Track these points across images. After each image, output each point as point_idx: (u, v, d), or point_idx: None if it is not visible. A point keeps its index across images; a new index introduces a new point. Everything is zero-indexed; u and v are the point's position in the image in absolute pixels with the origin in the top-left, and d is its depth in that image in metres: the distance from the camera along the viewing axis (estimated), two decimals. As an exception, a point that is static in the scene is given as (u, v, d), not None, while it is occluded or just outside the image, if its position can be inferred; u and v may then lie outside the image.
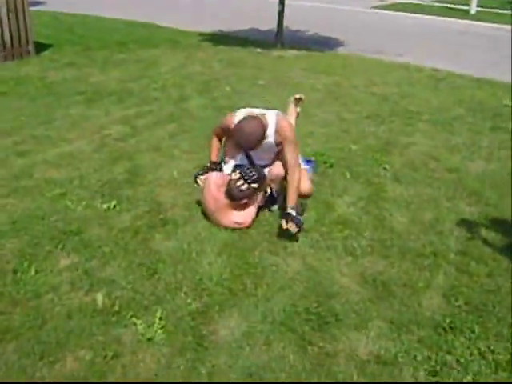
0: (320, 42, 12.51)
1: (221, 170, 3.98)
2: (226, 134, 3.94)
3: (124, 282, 3.07)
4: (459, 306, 3.01)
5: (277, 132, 3.67)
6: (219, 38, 12.29)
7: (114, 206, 3.99)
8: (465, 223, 3.97)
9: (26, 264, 3.23)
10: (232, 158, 3.94)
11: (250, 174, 3.62)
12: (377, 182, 4.64)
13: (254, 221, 3.79)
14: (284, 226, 3.50)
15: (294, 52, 10.97)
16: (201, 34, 12.67)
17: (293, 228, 3.48)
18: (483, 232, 3.87)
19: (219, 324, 2.81)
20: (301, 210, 3.88)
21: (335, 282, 3.18)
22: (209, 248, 3.44)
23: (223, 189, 3.69)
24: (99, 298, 2.90)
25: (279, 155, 3.82)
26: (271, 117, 3.70)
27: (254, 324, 2.81)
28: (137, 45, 11.12)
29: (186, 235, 3.61)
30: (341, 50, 11.70)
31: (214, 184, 3.72)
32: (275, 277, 3.19)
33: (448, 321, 2.88)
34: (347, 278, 3.23)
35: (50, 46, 10.74)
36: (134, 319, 2.78)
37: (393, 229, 3.84)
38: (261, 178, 3.68)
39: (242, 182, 3.61)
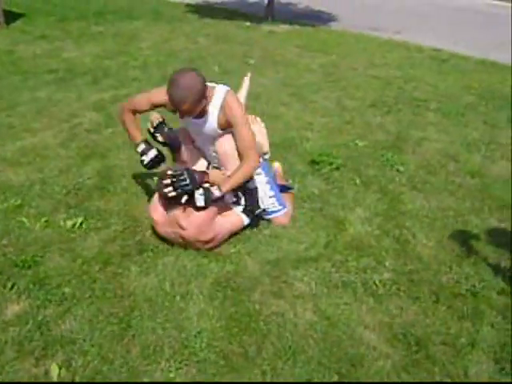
0: (312, 16, 11.80)
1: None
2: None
3: (88, 344, 2.33)
4: (516, 376, 2.35)
5: (222, 109, 2.99)
6: (206, 10, 11.48)
7: (81, 224, 3.27)
8: (501, 248, 3.32)
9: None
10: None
11: (181, 183, 2.86)
12: (392, 190, 3.97)
13: (202, 233, 2.99)
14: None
15: (285, 27, 10.23)
16: (187, 5, 11.82)
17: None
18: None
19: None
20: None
21: (358, 339, 2.48)
22: (197, 289, 2.72)
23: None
24: (54, 369, 2.17)
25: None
26: (220, 90, 3.04)
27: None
28: (116, 16, 10.33)
29: (167, 268, 2.87)
30: (334, 26, 10.97)
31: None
32: (282, 334, 2.48)
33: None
34: (372, 332, 2.53)
35: (21, 15, 9.91)
36: (97, 408, 2.07)
37: (419, 256, 3.17)
38: (191, 188, 2.90)
39: (170, 188, 2.88)
